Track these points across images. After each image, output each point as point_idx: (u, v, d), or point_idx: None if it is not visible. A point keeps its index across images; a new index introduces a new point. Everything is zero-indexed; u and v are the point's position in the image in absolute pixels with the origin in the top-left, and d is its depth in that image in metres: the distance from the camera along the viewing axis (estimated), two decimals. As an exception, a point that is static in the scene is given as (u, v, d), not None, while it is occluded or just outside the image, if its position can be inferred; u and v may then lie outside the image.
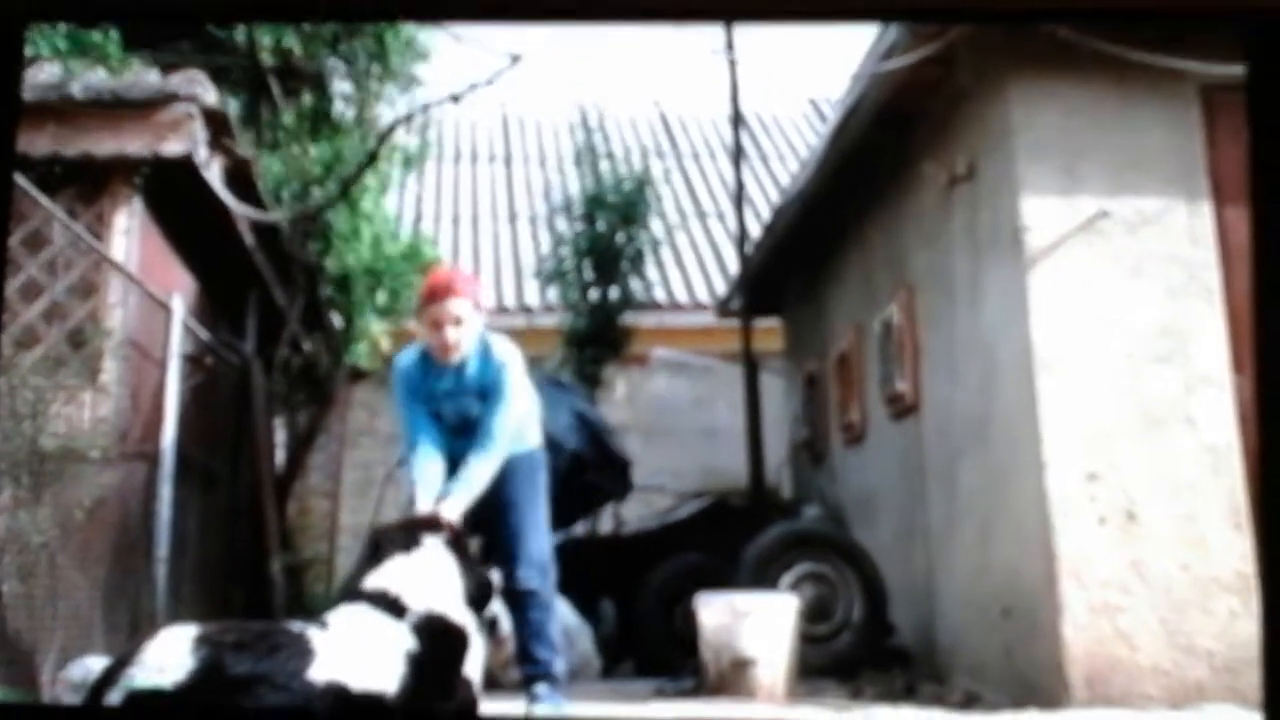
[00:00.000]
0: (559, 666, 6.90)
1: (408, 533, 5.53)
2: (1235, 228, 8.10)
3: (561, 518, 8.06)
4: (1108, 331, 8.07)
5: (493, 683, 9.36)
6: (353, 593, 5.13)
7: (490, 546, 6.75)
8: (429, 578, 5.21)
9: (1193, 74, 8.11)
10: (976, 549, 9.06)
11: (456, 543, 5.58)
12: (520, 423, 6.89)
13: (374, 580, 5.11)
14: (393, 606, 4.93)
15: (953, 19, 8.09)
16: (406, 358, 6.94)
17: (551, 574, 6.95)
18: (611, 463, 11.11)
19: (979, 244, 8.98)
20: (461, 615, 5.24)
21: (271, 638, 4.53)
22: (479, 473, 6.46)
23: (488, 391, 6.70)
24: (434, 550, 5.39)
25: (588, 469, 10.63)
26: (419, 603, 4.98)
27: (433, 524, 5.73)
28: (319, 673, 4.43)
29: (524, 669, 6.92)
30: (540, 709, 6.74)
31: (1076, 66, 8.23)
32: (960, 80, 8.96)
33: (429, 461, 6.59)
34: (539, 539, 6.94)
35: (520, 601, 6.79)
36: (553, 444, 7.74)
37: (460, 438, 6.70)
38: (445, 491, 6.37)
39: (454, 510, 6.22)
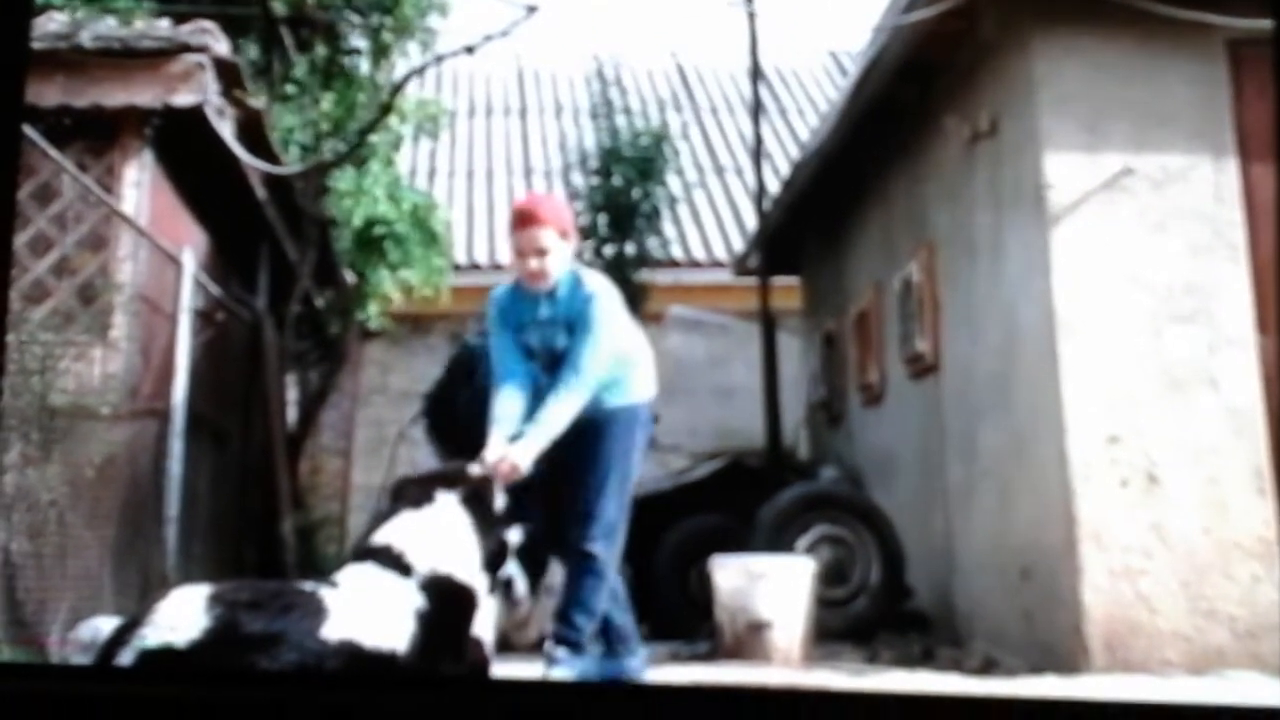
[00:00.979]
0: (588, 637, 6.63)
1: (422, 487, 5.42)
2: (1261, 185, 7.99)
3: None
4: (1130, 290, 7.98)
5: (506, 644, 9.36)
6: (361, 550, 5.07)
7: (565, 499, 6.62)
8: (437, 535, 5.13)
9: (1219, 28, 7.98)
10: (996, 512, 8.98)
11: (475, 499, 5.46)
12: (621, 369, 6.64)
13: (381, 536, 5.05)
14: (398, 564, 4.87)
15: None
16: (501, 287, 6.78)
17: (618, 542, 6.68)
18: None
19: (1001, 201, 8.89)
20: (470, 574, 5.16)
21: (285, 597, 4.49)
22: (557, 413, 6.26)
23: (575, 324, 6.47)
24: (446, 507, 5.29)
25: None
26: (425, 561, 4.91)
27: (453, 479, 5.60)
28: (332, 631, 4.38)
29: (555, 626, 6.66)
30: (556, 672, 6.54)
31: (1101, 20, 8.13)
32: (983, 33, 8.85)
33: (508, 398, 6.43)
34: (616, 503, 6.62)
35: (577, 561, 6.61)
36: None
37: (551, 372, 6.50)
38: (519, 432, 6.22)
39: (525, 454, 6.07)
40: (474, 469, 5.64)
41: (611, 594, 6.68)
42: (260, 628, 4.29)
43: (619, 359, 6.62)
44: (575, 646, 6.56)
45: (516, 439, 6.18)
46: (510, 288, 6.67)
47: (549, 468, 6.28)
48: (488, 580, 5.34)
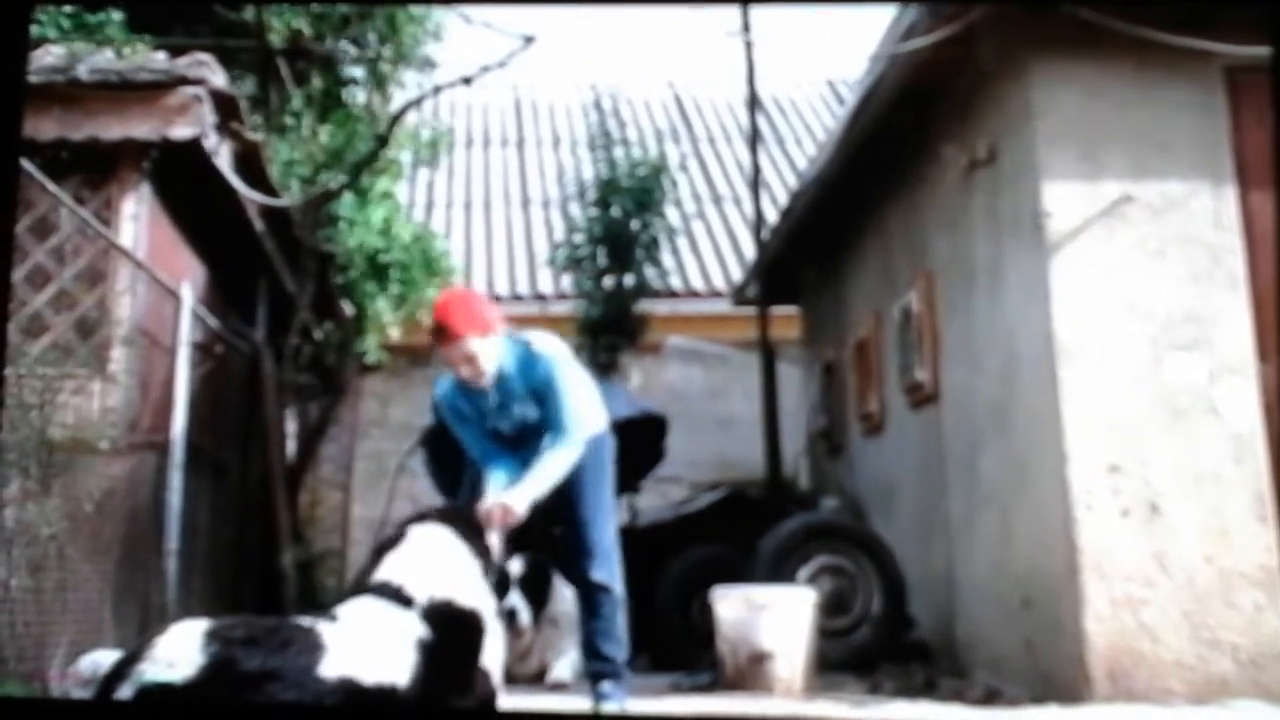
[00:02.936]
0: (624, 664, 6.82)
1: (405, 525, 5.45)
2: (1260, 212, 7.98)
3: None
4: (1130, 319, 7.97)
5: (508, 676, 9.34)
6: (360, 586, 5.07)
7: (561, 539, 6.77)
8: (434, 563, 5.13)
9: (1217, 55, 7.99)
10: (997, 541, 8.96)
11: (466, 526, 5.48)
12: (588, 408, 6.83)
13: (380, 573, 5.05)
14: (398, 596, 4.86)
15: (973, -1, 8.02)
16: (443, 386, 6.88)
17: (619, 568, 6.87)
18: (654, 421, 10.94)
19: (1000, 229, 8.88)
20: (474, 600, 5.15)
21: (282, 633, 4.48)
22: (555, 464, 6.44)
23: (540, 393, 6.59)
24: (431, 537, 5.29)
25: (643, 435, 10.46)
26: (425, 590, 4.91)
27: (444, 512, 5.63)
28: (330, 669, 4.38)
29: (590, 664, 6.86)
30: (607, 707, 6.69)
31: (1098, 48, 8.13)
32: (980, 62, 8.85)
33: (499, 471, 6.59)
34: (606, 530, 6.85)
35: (591, 596, 6.77)
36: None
37: (525, 446, 6.65)
38: (515, 481, 6.38)
39: (520, 500, 6.18)
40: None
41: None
42: (257, 665, 4.29)
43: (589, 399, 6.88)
44: (616, 677, 6.75)
45: (510, 488, 6.35)
46: (453, 386, 6.77)
47: (540, 516, 6.39)
48: (491, 607, 5.33)
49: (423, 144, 14.51)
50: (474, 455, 6.82)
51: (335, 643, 4.48)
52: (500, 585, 9.28)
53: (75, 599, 7.70)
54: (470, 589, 5.18)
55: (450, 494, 8.23)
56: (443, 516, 5.49)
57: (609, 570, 6.77)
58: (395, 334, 13.90)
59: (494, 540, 5.75)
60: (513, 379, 6.60)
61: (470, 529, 5.51)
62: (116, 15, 10.40)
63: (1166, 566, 7.66)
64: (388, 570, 5.06)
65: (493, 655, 5.19)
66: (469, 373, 6.50)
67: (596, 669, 6.78)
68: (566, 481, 6.56)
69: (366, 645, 4.59)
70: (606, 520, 6.85)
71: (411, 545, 5.21)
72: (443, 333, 6.48)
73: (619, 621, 6.78)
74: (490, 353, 6.50)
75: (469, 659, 5.02)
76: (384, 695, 4.50)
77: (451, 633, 4.89)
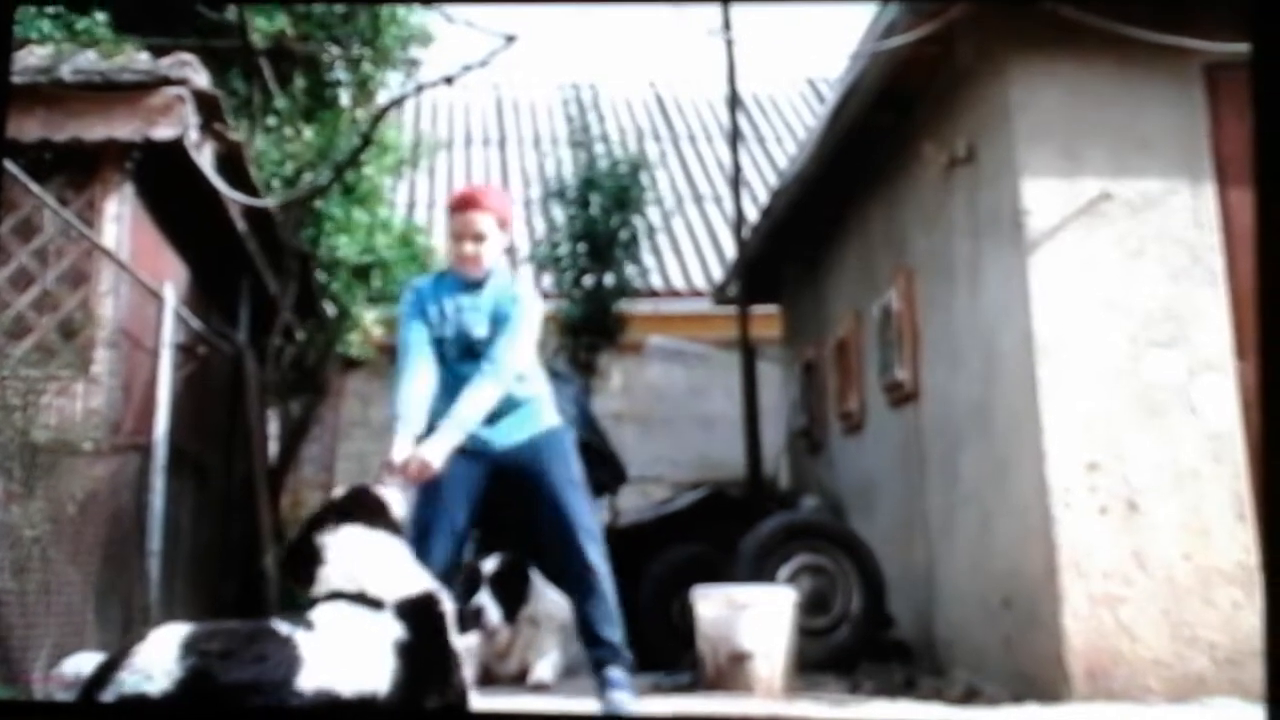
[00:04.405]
0: (625, 646, 6.61)
1: (314, 534, 5.27)
2: (1239, 210, 8.03)
3: None
4: (1109, 316, 8.00)
5: (487, 676, 9.33)
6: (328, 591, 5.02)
7: (536, 528, 6.62)
8: (370, 562, 5.06)
9: (1197, 52, 8.02)
10: (976, 540, 8.99)
11: (365, 514, 5.29)
12: (538, 390, 6.72)
13: (322, 588, 4.99)
14: (366, 600, 4.84)
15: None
16: (423, 277, 6.84)
17: (601, 549, 6.64)
18: (605, 458, 11.02)
19: (979, 227, 8.91)
20: (421, 579, 5.13)
21: (258, 644, 4.45)
22: (472, 406, 6.25)
23: (498, 318, 6.47)
24: (351, 538, 5.17)
25: (592, 461, 10.53)
26: (388, 589, 4.89)
27: (333, 516, 5.33)
28: (307, 680, 4.37)
29: (594, 652, 6.61)
30: (617, 696, 6.46)
31: (1078, 45, 8.16)
32: (960, 60, 8.89)
33: (413, 392, 6.38)
34: (584, 513, 6.64)
35: (582, 579, 6.56)
36: None
37: (462, 363, 6.49)
38: (430, 430, 6.20)
39: (436, 452, 6.06)
40: (369, 485, 5.58)
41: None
42: (233, 679, 4.28)
43: (534, 377, 6.73)
44: (621, 660, 6.54)
45: (425, 436, 6.18)
46: (435, 276, 6.73)
47: (507, 504, 6.41)
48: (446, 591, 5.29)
49: (407, 149, 14.50)
50: (405, 354, 6.57)
51: (312, 654, 4.48)
52: (470, 583, 9.30)
53: (58, 601, 7.69)
54: (411, 571, 5.16)
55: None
56: (342, 514, 5.35)
57: (596, 550, 6.56)
58: (378, 332, 13.89)
59: (398, 499, 5.59)
60: (490, 287, 6.53)
61: (372, 513, 5.32)
62: (101, 17, 10.39)
63: (1145, 564, 7.69)
64: (330, 580, 5.00)
65: (458, 638, 5.17)
66: (470, 250, 6.46)
67: (599, 655, 6.56)
68: (534, 474, 6.50)
69: (344, 656, 4.58)
70: (582, 504, 6.65)
71: (336, 551, 5.14)
72: (467, 200, 6.52)
73: (611, 604, 6.57)
74: (496, 245, 6.52)
75: (444, 646, 5.02)
76: (364, 705, 4.51)
77: (423, 625, 4.88)
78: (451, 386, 6.40)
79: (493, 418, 6.45)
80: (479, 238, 6.44)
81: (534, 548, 7.17)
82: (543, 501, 6.58)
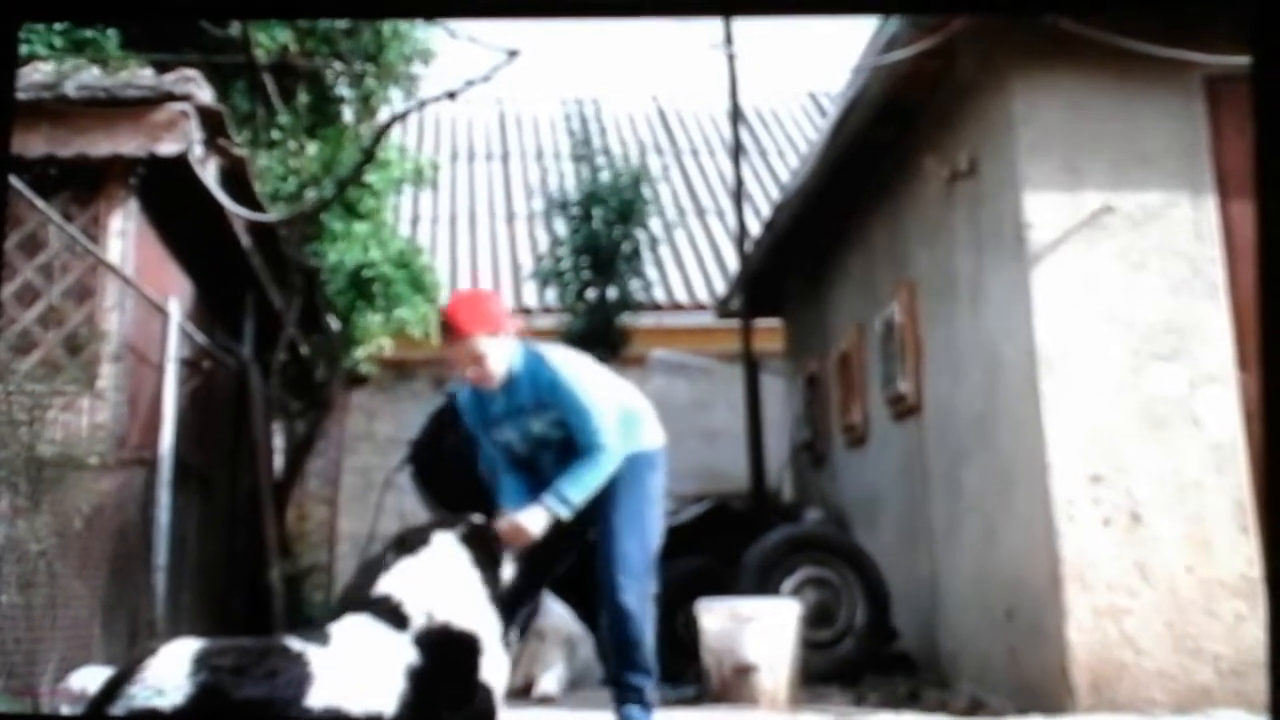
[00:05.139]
0: (651, 690, 6.41)
1: (419, 534, 5.34)
2: (1240, 222, 8.05)
3: None
4: (1111, 329, 8.02)
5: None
6: (359, 600, 5.01)
7: (591, 554, 6.51)
8: (436, 580, 5.06)
9: (1197, 65, 8.04)
10: (980, 552, 9.00)
11: (474, 538, 5.34)
12: (623, 423, 6.40)
13: (379, 587, 4.99)
14: (395, 615, 4.83)
15: (954, 10, 8.04)
16: (463, 391, 6.64)
17: (650, 587, 6.41)
18: None
19: (981, 240, 8.92)
20: (473, 620, 5.09)
21: (269, 660, 4.46)
22: (582, 481, 6.13)
23: (548, 405, 6.26)
24: (443, 547, 5.21)
25: None
26: (422, 611, 4.88)
27: (451, 522, 5.46)
28: (317, 697, 4.38)
29: (613, 689, 6.46)
30: None
31: (1079, 59, 8.17)
32: (961, 74, 8.90)
33: (509, 488, 6.38)
34: (638, 549, 6.36)
35: (611, 617, 6.35)
36: None
37: (535, 461, 6.39)
38: (537, 500, 6.08)
39: (535, 521, 5.97)
40: (475, 517, 5.56)
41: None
42: (244, 695, 4.30)
43: (624, 413, 6.46)
44: (644, 704, 6.37)
45: (526, 509, 6.07)
46: (470, 391, 6.53)
47: (570, 528, 6.20)
48: (499, 624, 5.26)
49: (408, 170, 14.49)
50: (488, 467, 6.57)
51: (323, 671, 4.49)
52: (509, 600, 9.29)
53: (65, 615, 7.69)
54: (472, 610, 5.12)
55: (443, 508, 8.09)
56: (461, 530, 5.37)
57: (636, 594, 6.32)
58: (386, 345, 13.90)
59: (506, 559, 5.58)
60: (522, 385, 6.30)
61: (484, 546, 5.35)
62: (112, 33, 10.42)
63: (1148, 576, 7.70)
64: (393, 581, 5.00)
65: (495, 674, 5.12)
66: (476, 374, 6.25)
67: (620, 694, 6.40)
68: (598, 496, 6.25)
69: (355, 673, 4.58)
70: (638, 539, 6.37)
71: (425, 558, 5.11)
72: (450, 331, 6.28)
73: (643, 646, 6.35)
74: (499, 353, 6.24)
75: (461, 684, 4.98)
76: None
77: (443, 659, 4.84)
78: (534, 483, 6.30)
79: None
80: (476, 360, 6.22)
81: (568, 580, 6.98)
82: (598, 523, 6.40)
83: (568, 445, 6.27)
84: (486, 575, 5.26)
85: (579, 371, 6.38)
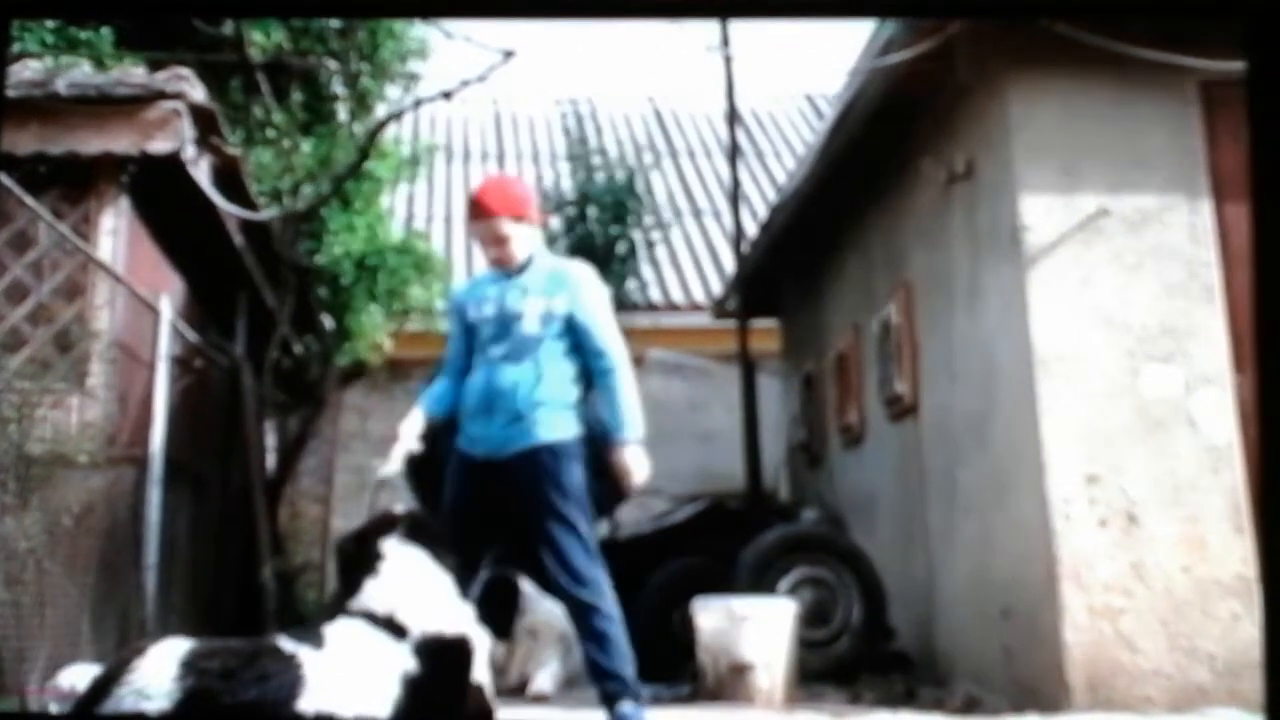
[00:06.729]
0: (635, 679, 6.24)
1: (365, 547, 5.20)
2: (1236, 225, 8.06)
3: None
4: (1107, 331, 8.02)
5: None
6: (349, 608, 4.93)
7: (522, 552, 6.52)
8: (413, 588, 4.98)
9: (1193, 70, 8.04)
10: (976, 552, 8.99)
11: (429, 538, 5.24)
12: (557, 401, 6.34)
13: (361, 600, 4.90)
14: (390, 626, 4.76)
15: (951, 14, 8.02)
16: (466, 283, 6.85)
17: (600, 577, 6.29)
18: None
19: (978, 243, 8.91)
20: (460, 620, 5.03)
21: (260, 663, 4.36)
22: (625, 396, 6.36)
23: (549, 295, 6.33)
24: (405, 556, 5.11)
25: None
26: (417, 620, 4.80)
27: (401, 526, 5.36)
28: (308, 702, 4.31)
29: (600, 685, 6.26)
30: None
31: (1076, 63, 8.16)
32: (959, 76, 8.89)
33: (438, 383, 6.60)
34: (577, 544, 6.27)
35: (578, 616, 6.33)
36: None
37: (497, 342, 6.35)
38: (616, 433, 6.34)
39: (639, 455, 6.35)
40: (398, 508, 5.46)
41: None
42: (233, 699, 4.23)
43: (559, 380, 6.41)
44: (631, 696, 6.21)
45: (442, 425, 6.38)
46: (479, 276, 6.69)
47: (485, 523, 6.33)
48: (474, 617, 5.21)
49: (404, 161, 14.48)
50: (449, 367, 6.60)
51: (315, 675, 4.42)
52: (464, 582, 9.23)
53: (54, 613, 7.66)
54: (454, 609, 5.07)
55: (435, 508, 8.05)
56: (408, 530, 5.25)
57: (592, 587, 6.23)
58: (386, 336, 13.89)
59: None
60: (536, 272, 6.39)
61: (436, 540, 5.20)
62: (105, 31, 10.39)
63: (1144, 576, 7.70)
64: (372, 596, 4.92)
65: (482, 667, 5.06)
66: (495, 254, 6.38)
67: (607, 690, 6.20)
68: (520, 491, 6.26)
69: (348, 679, 4.50)
70: (576, 533, 6.28)
71: (390, 568, 5.02)
72: (477, 210, 6.42)
73: (615, 636, 6.23)
74: (522, 238, 6.38)
75: (459, 691, 4.94)
76: None
77: (442, 667, 4.77)
78: (488, 370, 6.36)
79: (492, 420, 6.34)
80: (499, 241, 6.34)
81: (533, 562, 6.92)
82: (527, 521, 6.34)
83: (530, 345, 6.34)
84: (443, 562, 5.17)
85: (600, 291, 6.57)
